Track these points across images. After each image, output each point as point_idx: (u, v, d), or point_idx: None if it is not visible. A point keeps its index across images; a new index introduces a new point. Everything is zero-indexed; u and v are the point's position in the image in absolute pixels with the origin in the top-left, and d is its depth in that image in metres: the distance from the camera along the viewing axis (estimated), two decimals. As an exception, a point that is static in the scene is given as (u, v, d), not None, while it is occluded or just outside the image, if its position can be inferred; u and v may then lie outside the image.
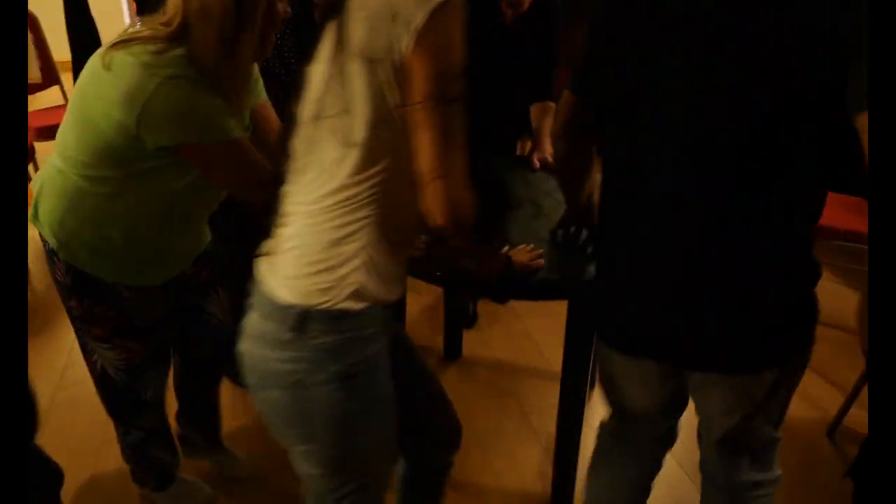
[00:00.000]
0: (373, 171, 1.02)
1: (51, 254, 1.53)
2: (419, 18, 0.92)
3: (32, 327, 2.79)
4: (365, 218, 1.04)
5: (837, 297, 3.08)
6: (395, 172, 1.03)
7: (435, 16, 0.92)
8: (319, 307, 1.05)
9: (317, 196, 1.05)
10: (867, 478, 1.81)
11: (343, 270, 1.05)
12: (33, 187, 1.54)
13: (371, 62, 0.96)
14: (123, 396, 1.76)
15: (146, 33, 1.32)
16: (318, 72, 1.04)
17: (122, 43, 1.33)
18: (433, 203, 0.99)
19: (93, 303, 1.55)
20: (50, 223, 1.50)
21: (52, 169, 1.49)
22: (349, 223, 1.04)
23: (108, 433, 1.87)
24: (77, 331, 1.64)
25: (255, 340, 1.13)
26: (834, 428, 2.23)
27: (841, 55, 1.00)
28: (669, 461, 2.10)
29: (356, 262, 1.05)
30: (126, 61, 1.30)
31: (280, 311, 1.07)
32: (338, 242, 1.05)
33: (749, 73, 1.03)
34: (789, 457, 2.14)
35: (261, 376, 1.15)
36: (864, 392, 1.93)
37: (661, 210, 1.18)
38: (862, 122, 1.00)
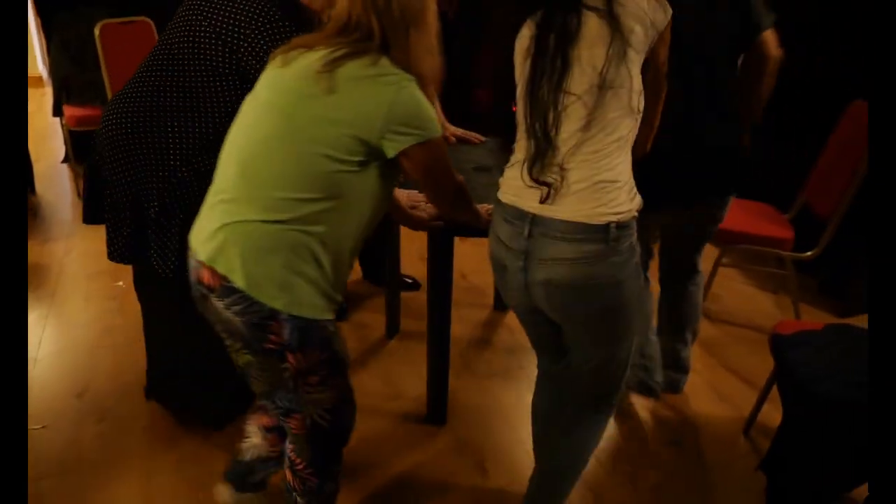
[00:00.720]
0: (635, 123, 1.48)
1: (266, 320, 1.39)
2: (662, 25, 1.44)
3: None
4: (627, 154, 1.49)
5: (749, 299, 3.23)
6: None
7: (668, 24, 1.45)
8: (623, 220, 1.44)
9: (603, 144, 1.43)
10: (776, 471, 1.90)
11: (629, 190, 1.48)
12: (217, 260, 1.39)
13: (638, 53, 1.42)
14: (332, 443, 1.64)
15: (345, 51, 1.34)
16: (593, 54, 1.40)
17: (331, 64, 1.33)
18: (649, 139, 1.59)
19: (312, 349, 1.45)
20: (272, 284, 1.37)
21: (250, 227, 1.38)
22: (624, 160, 1.47)
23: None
24: (282, 394, 1.53)
25: (570, 264, 1.46)
26: (749, 425, 2.32)
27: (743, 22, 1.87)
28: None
29: (630, 183, 1.49)
30: (351, 78, 1.33)
31: (596, 231, 1.43)
32: (622, 173, 1.46)
33: (702, 34, 1.83)
34: (709, 453, 2.21)
35: (582, 290, 1.48)
36: (775, 389, 2.01)
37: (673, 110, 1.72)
38: (764, 36, 1.88)
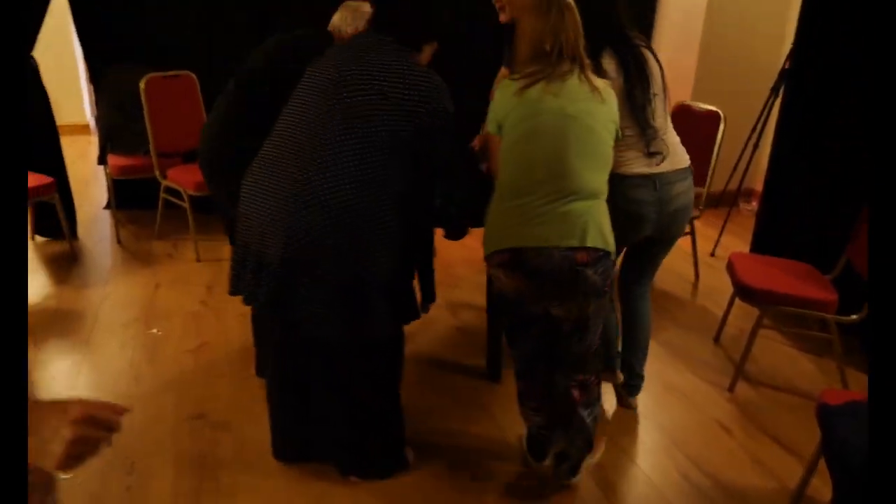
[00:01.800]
0: None
1: (610, 270, 1.97)
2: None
3: None
4: None
5: (790, 362, 3.11)
6: None
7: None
8: (689, 163, 2.39)
9: (668, 122, 2.35)
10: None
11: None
12: (591, 240, 1.89)
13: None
14: None
15: (584, 73, 1.97)
16: (655, 69, 2.30)
17: (590, 83, 1.96)
18: None
19: None
20: (612, 242, 1.97)
21: (599, 207, 1.95)
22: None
23: None
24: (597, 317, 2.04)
25: (684, 195, 2.33)
26: (797, 501, 2.19)
27: None
28: None
29: None
30: (602, 89, 1.99)
31: (686, 171, 2.35)
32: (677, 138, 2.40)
33: None
34: (751, 529, 2.10)
35: (689, 209, 2.38)
36: (822, 462, 1.91)
37: None
38: None
